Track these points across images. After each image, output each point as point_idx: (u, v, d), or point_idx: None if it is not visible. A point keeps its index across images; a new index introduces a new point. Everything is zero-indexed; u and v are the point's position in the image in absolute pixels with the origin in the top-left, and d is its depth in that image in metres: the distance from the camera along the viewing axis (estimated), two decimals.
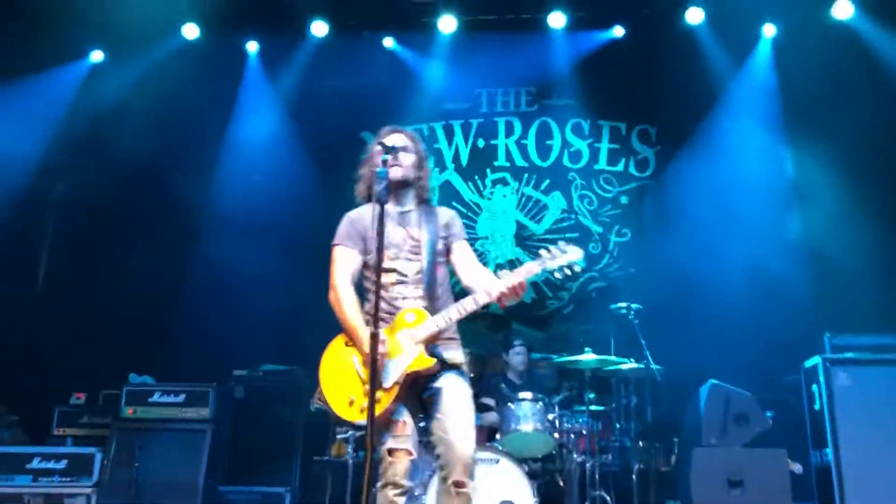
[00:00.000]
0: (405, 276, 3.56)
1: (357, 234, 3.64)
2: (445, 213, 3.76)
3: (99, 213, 7.70)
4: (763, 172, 7.39)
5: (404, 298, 3.52)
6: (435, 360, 3.42)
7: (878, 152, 7.13)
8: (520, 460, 5.43)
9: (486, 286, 3.38)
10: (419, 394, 3.48)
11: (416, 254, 3.58)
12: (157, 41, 7.67)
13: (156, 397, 6.35)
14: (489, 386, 6.55)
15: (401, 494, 3.29)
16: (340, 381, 3.43)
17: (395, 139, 3.60)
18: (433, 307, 3.50)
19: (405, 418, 3.37)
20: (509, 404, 5.77)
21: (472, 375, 6.60)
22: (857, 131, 7.15)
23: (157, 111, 7.56)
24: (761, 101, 7.56)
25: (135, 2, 7.00)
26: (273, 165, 7.83)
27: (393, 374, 3.36)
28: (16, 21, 7.28)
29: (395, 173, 3.57)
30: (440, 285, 3.62)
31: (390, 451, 3.35)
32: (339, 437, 5.94)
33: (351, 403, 3.37)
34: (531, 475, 5.45)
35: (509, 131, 8.44)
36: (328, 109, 7.88)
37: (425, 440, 3.52)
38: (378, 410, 3.23)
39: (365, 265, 3.64)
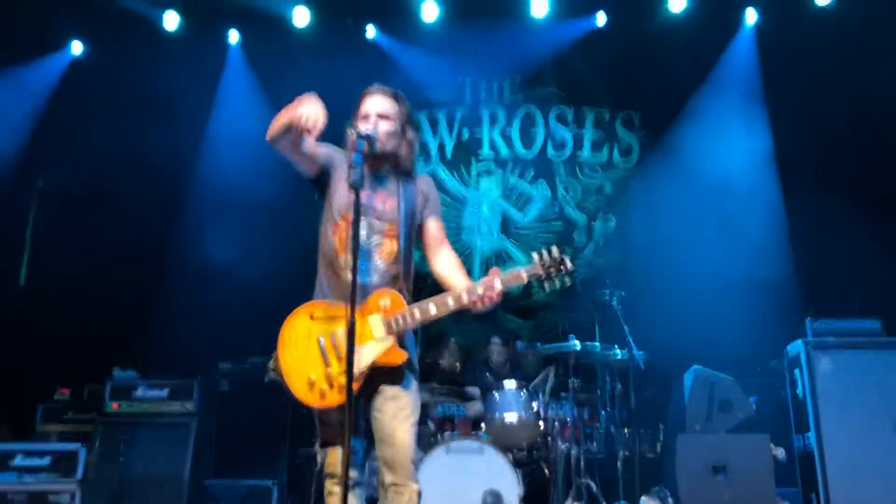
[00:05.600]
0: (369, 251, 3.22)
1: (329, 156, 3.40)
2: (423, 180, 3.46)
3: (81, 207, 7.59)
4: (746, 157, 7.40)
5: (364, 284, 3.14)
6: (406, 354, 3.16)
7: (861, 136, 7.16)
8: (505, 449, 5.44)
9: (467, 286, 3.15)
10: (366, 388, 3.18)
11: (391, 224, 3.27)
12: (138, 32, 7.61)
13: (140, 391, 6.28)
14: (473, 375, 6.54)
15: (340, 484, 2.86)
16: (301, 359, 3.16)
17: (378, 107, 3.32)
18: (405, 292, 3.25)
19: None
20: (493, 393, 5.76)
21: (457, 365, 6.73)
22: (839, 116, 7.18)
23: (139, 102, 7.50)
24: (744, 86, 7.58)
25: None
26: (256, 155, 7.71)
27: (359, 363, 3.03)
28: None
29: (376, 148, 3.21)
30: (411, 265, 3.32)
31: (324, 443, 3.21)
32: None
33: (311, 386, 3.11)
34: (516, 464, 5.45)
35: (493, 121, 8.41)
36: None
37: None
38: (336, 398, 3.06)
39: (329, 227, 3.33)
